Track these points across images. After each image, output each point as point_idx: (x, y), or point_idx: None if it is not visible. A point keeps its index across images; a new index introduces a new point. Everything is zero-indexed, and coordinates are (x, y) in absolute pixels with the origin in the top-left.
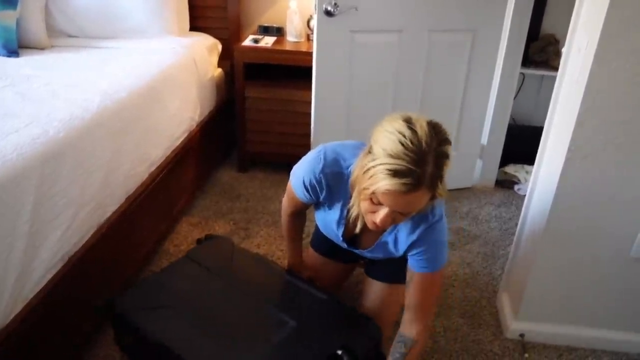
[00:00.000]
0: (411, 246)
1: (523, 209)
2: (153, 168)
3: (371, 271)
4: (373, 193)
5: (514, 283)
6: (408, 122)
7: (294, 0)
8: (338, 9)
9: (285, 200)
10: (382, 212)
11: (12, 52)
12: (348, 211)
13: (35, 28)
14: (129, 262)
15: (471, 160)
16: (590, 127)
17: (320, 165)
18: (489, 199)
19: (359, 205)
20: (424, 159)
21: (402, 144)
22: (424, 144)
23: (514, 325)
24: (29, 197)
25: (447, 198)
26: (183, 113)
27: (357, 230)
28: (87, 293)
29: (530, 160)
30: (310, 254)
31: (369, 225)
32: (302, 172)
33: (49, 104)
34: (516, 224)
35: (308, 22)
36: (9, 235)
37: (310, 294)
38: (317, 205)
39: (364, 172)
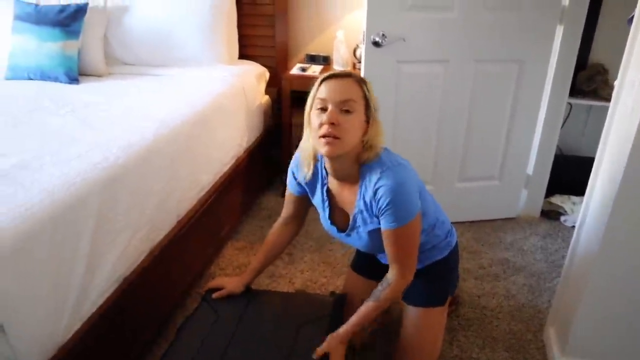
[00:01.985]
0: (378, 199)
1: (572, 241)
2: (202, 193)
3: (406, 296)
4: (316, 98)
5: (562, 317)
6: None
7: (341, 30)
8: (386, 40)
9: None
10: (328, 111)
11: (73, 80)
12: (329, 193)
13: (95, 56)
14: (178, 284)
15: (516, 190)
16: None
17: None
18: (534, 229)
19: (310, 135)
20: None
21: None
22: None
23: None
24: (91, 221)
25: (491, 228)
26: (232, 140)
27: (327, 170)
28: (139, 313)
29: (577, 191)
30: (347, 275)
31: (324, 149)
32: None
33: (108, 131)
34: (562, 256)
35: (354, 51)
36: (71, 257)
37: None
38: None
39: (308, 105)
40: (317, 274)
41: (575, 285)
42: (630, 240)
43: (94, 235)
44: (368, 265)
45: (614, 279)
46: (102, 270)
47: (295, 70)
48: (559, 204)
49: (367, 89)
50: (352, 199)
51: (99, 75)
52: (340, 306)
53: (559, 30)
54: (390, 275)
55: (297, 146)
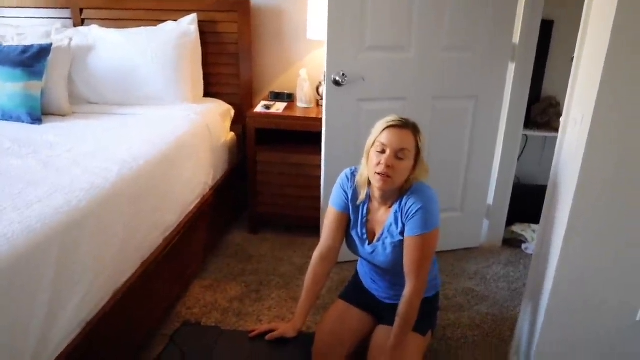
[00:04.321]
0: (408, 207)
1: (530, 271)
2: (167, 233)
3: (385, 318)
4: (377, 141)
5: (523, 347)
6: None
7: (304, 69)
8: (346, 79)
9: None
10: (386, 155)
11: (36, 120)
12: (368, 212)
13: (59, 96)
14: (143, 326)
15: (478, 220)
16: (590, 194)
17: (351, 168)
18: (497, 258)
19: (367, 167)
20: (407, 119)
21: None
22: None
23: None
24: (51, 266)
25: (455, 258)
26: (197, 178)
27: (374, 194)
28: (103, 357)
29: (536, 219)
30: (336, 305)
31: (379, 183)
32: (339, 178)
33: (70, 173)
34: (524, 284)
35: (317, 88)
36: (30, 305)
37: None
38: (349, 220)
39: (369, 143)
40: (285, 310)
41: (533, 314)
42: (582, 271)
43: (54, 281)
44: (359, 296)
45: (568, 308)
46: (63, 316)
47: (259, 109)
48: (520, 232)
49: (420, 138)
50: (385, 218)
51: (62, 115)
52: (307, 345)
53: (511, 67)
54: (407, 290)
55: (262, 183)
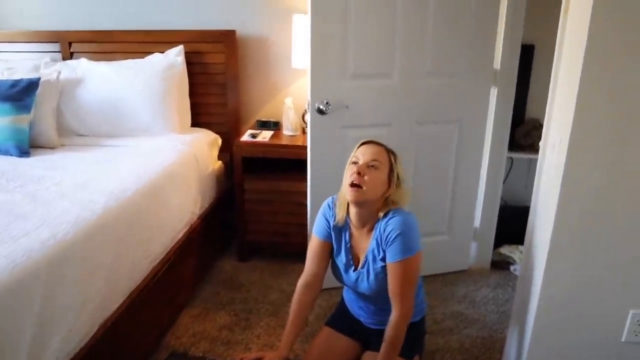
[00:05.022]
0: (388, 232)
1: (516, 293)
2: (155, 263)
3: (372, 344)
4: (352, 157)
5: None
6: None
7: (289, 97)
8: (330, 107)
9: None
10: (358, 164)
11: (24, 153)
12: (350, 237)
13: (47, 129)
14: (131, 356)
15: (466, 243)
16: (571, 216)
17: (333, 197)
18: (486, 281)
19: (343, 185)
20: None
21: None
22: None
23: None
24: (36, 300)
25: (443, 282)
26: (184, 208)
27: (351, 217)
28: None
29: (524, 241)
30: (322, 333)
31: (350, 194)
32: (322, 207)
33: (58, 206)
34: None
35: (303, 116)
36: (14, 340)
37: None
38: (332, 248)
39: (347, 164)
40: (274, 338)
41: (520, 335)
42: (566, 292)
43: (39, 315)
44: (345, 322)
45: (555, 330)
46: (48, 350)
47: (246, 137)
48: (508, 253)
49: (393, 158)
50: (367, 245)
51: (51, 147)
52: None
53: (494, 91)
54: (393, 315)
55: (250, 211)
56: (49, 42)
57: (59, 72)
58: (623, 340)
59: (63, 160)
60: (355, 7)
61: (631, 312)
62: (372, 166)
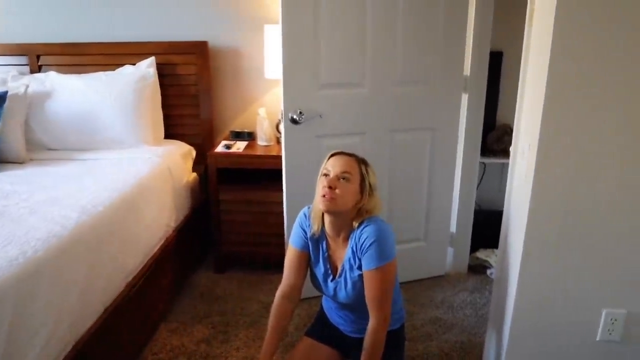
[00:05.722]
0: (362, 240)
1: (492, 296)
2: (130, 278)
3: (352, 353)
4: (323, 169)
5: None
6: None
7: (262, 107)
8: (303, 117)
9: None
10: (328, 177)
11: None
12: (328, 247)
13: (15, 143)
14: None
15: (442, 249)
16: (543, 219)
17: (309, 206)
18: (463, 285)
19: (316, 196)
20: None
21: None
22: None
23: None
24: (6, 319)
25: (421, 288)
26: (159, 221)
27: (326, 226)
28: None
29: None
30: (302, 343)
31: (322, 204)
32: (298, 217)
33: (27, 222)
34: None
35: (277, 126)
36: None
37: None
38: (310, 258)
39: (320, 171)
40: (253, 350)
41: (498, 339)
42: (543, 291)
43: (9, 334)
44: (325, 331)
45: (532, 330)
46: None
47: (220, 148)
48: (484, 257)
49: (364, 168)
50: (343, 254)
51: (19, 162)
52: None
53: (464, 98)
54: (371, 323)
55: (226, 222)
56: (16, 54)
57: (27, 86)
58: (597, 339)
59: (32, 175)
60: (326, 17)
61: (604, 311)
62: (344, 178)
